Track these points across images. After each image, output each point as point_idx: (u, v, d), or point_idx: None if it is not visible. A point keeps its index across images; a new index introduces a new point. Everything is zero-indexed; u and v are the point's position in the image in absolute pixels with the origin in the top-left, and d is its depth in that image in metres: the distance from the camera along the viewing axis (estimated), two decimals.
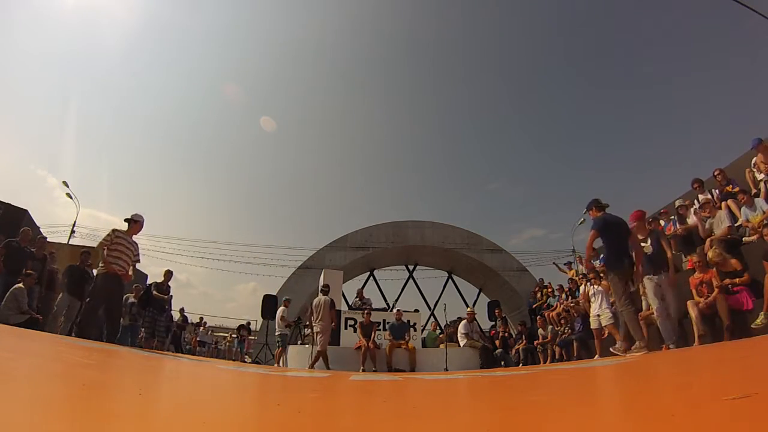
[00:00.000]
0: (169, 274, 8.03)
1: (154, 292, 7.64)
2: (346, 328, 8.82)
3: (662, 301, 4.70)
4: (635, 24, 39.36)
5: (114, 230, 5.09)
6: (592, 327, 6.58)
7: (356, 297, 10.26)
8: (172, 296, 8.08)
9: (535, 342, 8.62)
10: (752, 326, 4.24)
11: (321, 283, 9.76)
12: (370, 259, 16.52)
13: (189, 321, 13.78)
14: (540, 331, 8.72)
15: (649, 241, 5.12)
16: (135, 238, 5.28)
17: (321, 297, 7.34)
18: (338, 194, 56.68)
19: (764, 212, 5.23)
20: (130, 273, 5.15)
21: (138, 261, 5.31)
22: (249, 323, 15.87)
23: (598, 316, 6.35)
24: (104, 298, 4.87)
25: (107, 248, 4.92)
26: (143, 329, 7.86)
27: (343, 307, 10.60)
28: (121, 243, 5.02)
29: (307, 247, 21.30)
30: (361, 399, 2.29)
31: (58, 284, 7.14)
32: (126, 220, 5.23)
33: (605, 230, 4.77)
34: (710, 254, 4.99)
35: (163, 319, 7.91)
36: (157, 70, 51.03)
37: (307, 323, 9.10)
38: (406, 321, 8.61)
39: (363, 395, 2.53)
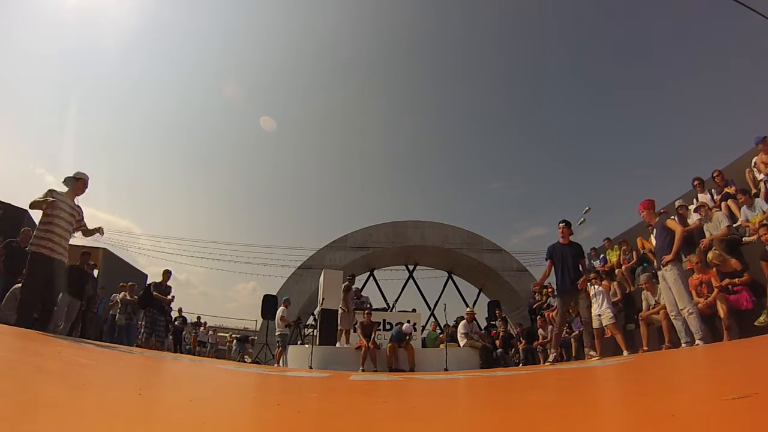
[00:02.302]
0: (167, 274, 8.02)
1: (154, 293, 7.64)
2: None
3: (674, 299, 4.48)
4: (635, 24, 39.37)
5: (51, 191, 4.11)
6: (592, 326, 6.58)
7: (354, 296, 10.26)
8: (174, 296, 8.06)
9: (535, 342, 8.62)
10: (755, 324, 4.23)
11: (321, 283, 9.78)
12: (370, 259, 16.52)
13: (188, 321, 13.79)
14: (540, 331, 8.71)
15: (655, 232, 4.89)
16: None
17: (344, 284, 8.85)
18: (338, 194, 56.70)
19: (764, 212, 5.23)
20: (65, 249, 4.19)
21: (83, 228, 4.39)
22: (249, 336, 15.87)
23: (599, 315, 6.35)
24: (42, 283, 4.04)
25: (43, 215, 4.01)
26: (143, 329, 7.86)
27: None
28: (59, 208, 4.06)
29: (307, 247, 21.34)
30: (361, 399, 2.29)
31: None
32: (66, 180, 4.27)
33: None
34: (710, 255, 4.98)
35: (162, 319, 7.92)
36: (157, 70, 51.07)
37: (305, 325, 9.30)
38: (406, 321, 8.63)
39: (363, 395, 2.53)
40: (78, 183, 4.32)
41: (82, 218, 4.38)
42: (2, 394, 1.04)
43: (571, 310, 8.18)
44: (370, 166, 60.63)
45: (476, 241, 16.28)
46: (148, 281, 9.57)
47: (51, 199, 4.01)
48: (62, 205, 4.12)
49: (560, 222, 5.56)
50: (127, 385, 1.88)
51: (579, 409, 1.39)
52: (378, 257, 16.64)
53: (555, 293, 5.73)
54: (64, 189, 4.32)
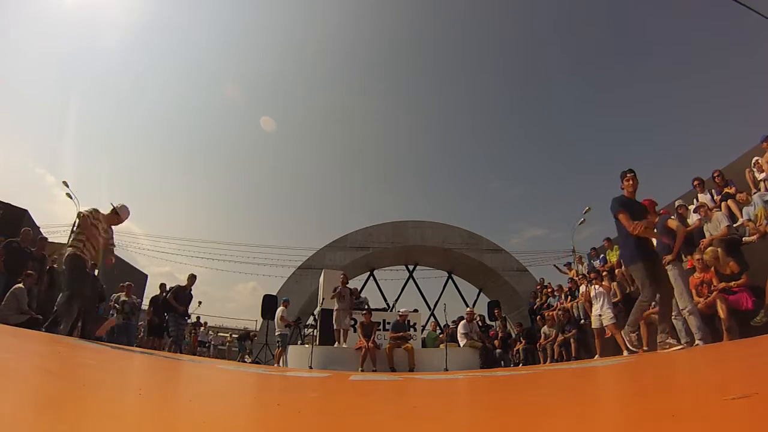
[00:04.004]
0: (192, 279, 7.99)
1: (169, 299, 7.65)
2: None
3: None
4: (635, 23, 39.37)
5: (96, 210, 4.73)
6: (593, 327, 6.59)
7: (352, 296, 10.30)
8: (192, 296, 8.04)
9: (538, 343, 8.63)
10: (752, 323, 4.23)
11: (321, 283, 9.79)
12: (370, 259, 16.53)
13: (188, 321, 13.80)
14: (544, 329, 8.73)
15: (656, 231, 4.85)
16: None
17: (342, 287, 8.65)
18: (338, 194, 56.73)
19: (765, 202, 5.20)
20: (112, 259, 4.95)
21: (110, 247, 4.92)
22: (250, 333, 15.86)
23: (600, 315, 6.35)
24: (80, 285, 4.53)
25: (86, 227, 4.55)
26: (169, 331, 7.85)
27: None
28: (95, 226, 4.61)
29: (307, 247, 21.27)
30: (361, 399, 2.29)
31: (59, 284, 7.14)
32: (113, 210, 4.83)
33: None
34: (705, 255, 4.97)
35: (184, 322, 7.90)
36: (157, 70, 51.06)
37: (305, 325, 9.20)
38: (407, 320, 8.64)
39: (363, 395, 2.52)
40: (115, 217, 4.85)
41: (112, 238, 4.93)
42: (2, 394, 1.04)
43: (568, 306, 8.20)
44: (370, 166, 60.70)
45: (476, 241, 16.29)
46: (148, 281, 9.58)
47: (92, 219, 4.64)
48: (100, 225, 4.68)
49: (627, 172, 4.16)
50: (127, 385, 1.88)
51: (579, 409, 1.39)
52: (378, 257, 16.65)
53: (631, 261, 4.20)
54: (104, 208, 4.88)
